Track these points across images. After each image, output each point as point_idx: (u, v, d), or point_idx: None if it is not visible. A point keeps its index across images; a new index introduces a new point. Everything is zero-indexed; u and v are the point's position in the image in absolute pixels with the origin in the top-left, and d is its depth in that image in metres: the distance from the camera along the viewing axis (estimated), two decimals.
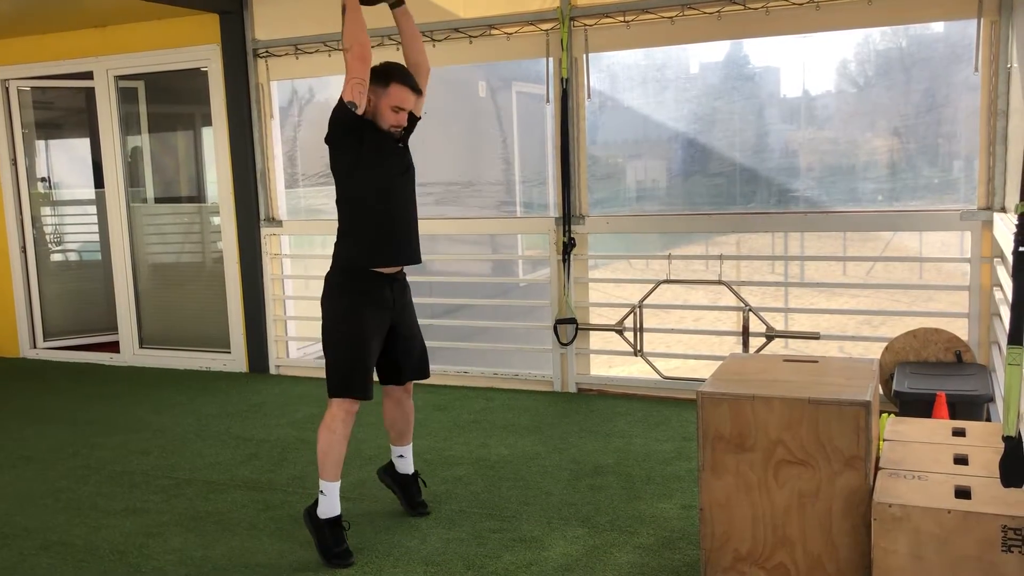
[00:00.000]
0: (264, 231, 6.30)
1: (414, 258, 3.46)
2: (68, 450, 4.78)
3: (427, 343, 3.67)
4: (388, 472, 3.78)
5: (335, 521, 3.31)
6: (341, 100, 3.20)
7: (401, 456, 3.73)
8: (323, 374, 3.39)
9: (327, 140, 3.32)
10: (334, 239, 3.45)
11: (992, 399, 4.01)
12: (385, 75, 3.30)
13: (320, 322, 3.40)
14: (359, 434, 4.84)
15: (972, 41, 4.53)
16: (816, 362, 3.06)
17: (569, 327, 5.47)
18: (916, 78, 5.17)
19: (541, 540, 3.41)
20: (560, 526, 3.53)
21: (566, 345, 5.50)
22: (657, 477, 4.03)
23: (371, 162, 3.30)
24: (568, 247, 5.42)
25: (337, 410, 3.30)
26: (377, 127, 3.32)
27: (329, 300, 3.38)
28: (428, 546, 3.39)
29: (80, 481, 4.29)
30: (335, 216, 3.45)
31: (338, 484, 3.33)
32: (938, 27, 5.02)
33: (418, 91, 3.37)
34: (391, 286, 3.40)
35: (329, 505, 3.31)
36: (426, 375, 3.64)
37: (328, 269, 3.42)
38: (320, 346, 3.48)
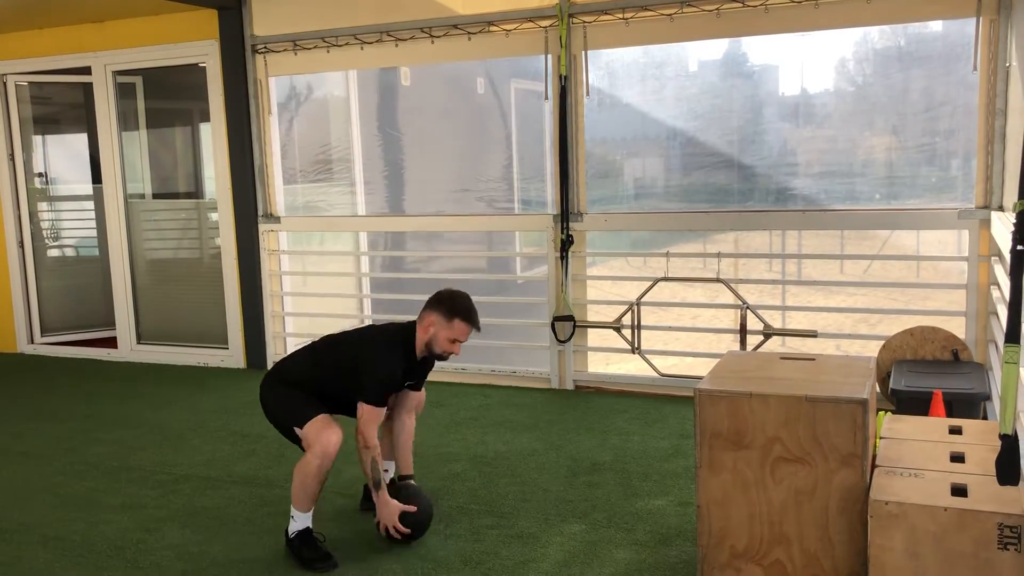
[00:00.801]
0: (262, 227, 6.30)
1: None
2: (65, 446, 4.78)
3: None
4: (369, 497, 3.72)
5: (306, 532, 3.29)
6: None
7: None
8: None
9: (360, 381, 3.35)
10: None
11: (989, 397, 4.02)
12: (451, 309, 3.37)
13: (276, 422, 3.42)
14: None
15: (971, 40, 4.54)
16: (814, 360, 3.06)
17: (567, 324, 5.47)
18: (914, 77, 5.17)
19: (538, 537, 3.41)
20: (557, 523, 3.53)
21: (564, 342, 5.50)
22: (654, 474, 4.04)
23: None
24: (566, 244, 5.43)
25: (312, 457, 3.21)
26: (405, 370, 3.41)
27: (274, 394, 3.42)
28: (425, 542, 3.40)
29: (77, 477, 4.29)
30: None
31: (311, 513, 3.31)
32: (936, 26, 5.02)
33: (479, 330, 3.46)
34: None
35: (298, 524, 3.30)
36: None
37: (272, 376, 3.47)
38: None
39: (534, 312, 5.82)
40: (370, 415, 3.29)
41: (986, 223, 4.57)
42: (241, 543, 3.46)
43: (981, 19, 4.48)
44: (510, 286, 7.89)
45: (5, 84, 7.04)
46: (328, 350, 3.50)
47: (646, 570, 3.12)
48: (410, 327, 3.45)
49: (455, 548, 3.34)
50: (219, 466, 4.37)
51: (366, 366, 3.32)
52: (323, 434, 3.20)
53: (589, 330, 5.62)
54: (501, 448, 4.48)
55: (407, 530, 3.33)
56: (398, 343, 3.41)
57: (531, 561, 3.21)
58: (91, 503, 3.93)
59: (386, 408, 3.37)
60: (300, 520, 3.30)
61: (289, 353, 3.55)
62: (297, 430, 3.27)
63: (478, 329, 3.44)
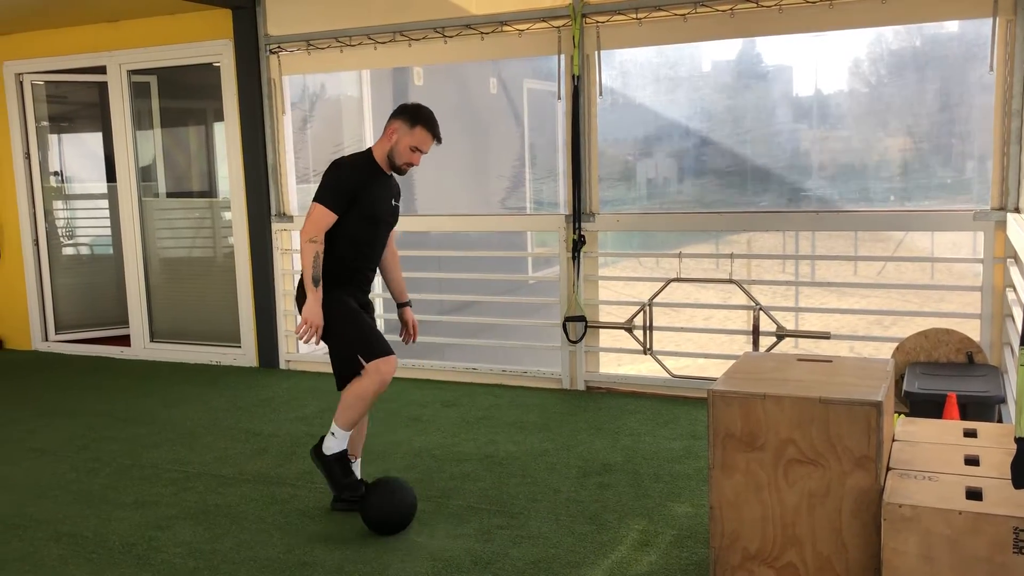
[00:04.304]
0: (275, 226, 6.32)
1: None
2: (78, 443, 4.80)
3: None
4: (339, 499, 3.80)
5: (343, 455, 3.53)
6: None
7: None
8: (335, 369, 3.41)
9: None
10: None
11: (1004, 400, 3.99)
12: (414, 117, 3.51)
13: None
14: (368, 430, 4.85)
15: (987, 40, 4.51)
16: (830, 362, 3.04)
17: (578, 325, 5.46)
18: (930, 77, 5.15)
19: (548, 537, 3.41)
20: (568, 523, 3.52)
21: (575, 343, 5.49)
22: (665, 475, 4.02)
23: (361, 215, 3.50)
24: (578, 244, 5.42)
25: (369, 382, 3.41)
26: (371, 181, 3.52)
27: (332, 312, 3.51)
28: (435, 541, 3.40)
29: (90, 474, 4.31)
30: None
31: (350, 433, 3.53)
32: (952, 26, 5.00)
33: (439, 141, 3.58)
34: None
35: (337, 444, 3.51)
36: None
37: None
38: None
39: (545, 312, 5.82)
40: (319, 214, 3.41)
41: (1002, 225, 4.54)
42: (252, 541, 3.47)
43: (998, 19, 4.44)
44: (522, 286, 7.89)
45: (21, 83, 7.08)
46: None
47: (657, 572, 3.11)
48: (368, 149, 3.59)
49: (465, 548, 3.34)
50: (231, 464, 4.38)
51: (324, 180, 3.46)
52: (384, 364, 3.40)
53: (601, 331, 5.61)
54: (512, 448, 4.47)
55: (318, 341, 3.44)
56: (358, 160, 3.54)
57: (540, 561, 3.21)
58: (104, 500, 3.95)
59: (336, 217, 3.41)
60: (340, 438, 3.50)
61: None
62: (362, 359, 3.42)
63: (439, 140, 3.55)
